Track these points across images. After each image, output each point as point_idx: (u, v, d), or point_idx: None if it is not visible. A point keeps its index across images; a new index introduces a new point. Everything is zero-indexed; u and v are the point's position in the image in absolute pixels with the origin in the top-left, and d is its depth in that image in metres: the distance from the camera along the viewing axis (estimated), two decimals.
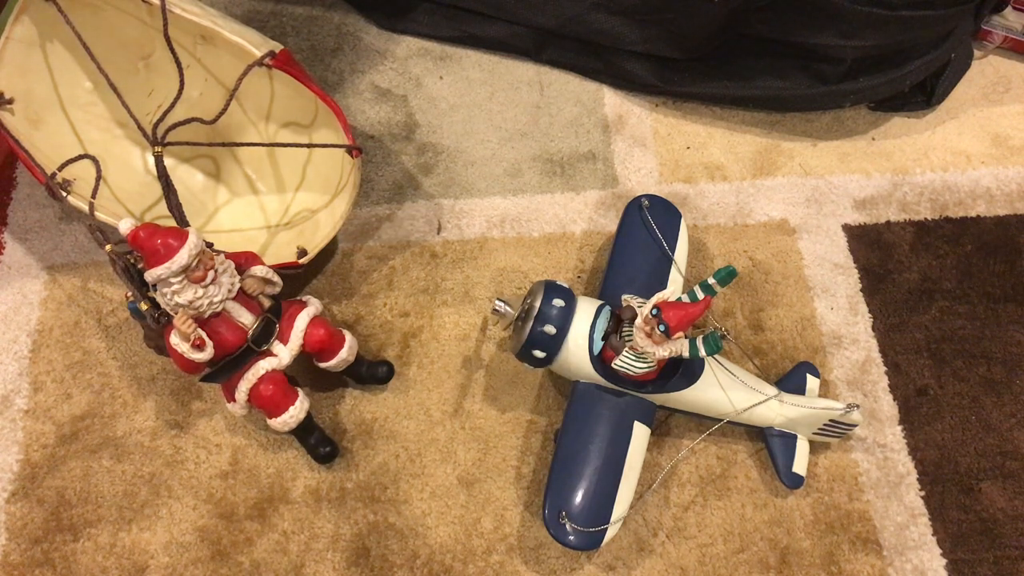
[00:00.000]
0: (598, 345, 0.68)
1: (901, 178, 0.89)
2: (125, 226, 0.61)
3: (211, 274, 0.63)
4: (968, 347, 0.80)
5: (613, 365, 0.67)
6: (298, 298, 0.72)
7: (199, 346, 0.63)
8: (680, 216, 0.80)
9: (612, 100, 0.94)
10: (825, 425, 0.71)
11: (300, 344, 0.68)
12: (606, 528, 0.66)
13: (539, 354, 0.67)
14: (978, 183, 0.89)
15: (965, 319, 0.81)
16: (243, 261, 0.68)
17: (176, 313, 0.62)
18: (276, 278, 0.69)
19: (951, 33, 0.86)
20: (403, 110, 0.92)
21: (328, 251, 0.83)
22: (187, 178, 0.84)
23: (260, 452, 0.74)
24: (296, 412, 0.68)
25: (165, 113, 0.72)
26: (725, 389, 0.70)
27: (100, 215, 0.71)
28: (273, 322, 0.68)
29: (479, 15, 0.93)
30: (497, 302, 0.69)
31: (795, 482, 0.72)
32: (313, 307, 0.71)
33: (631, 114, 0.93)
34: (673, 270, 0.76)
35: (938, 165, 0.90)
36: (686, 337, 0.64)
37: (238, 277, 0.66)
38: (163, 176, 0.71)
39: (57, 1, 0.71)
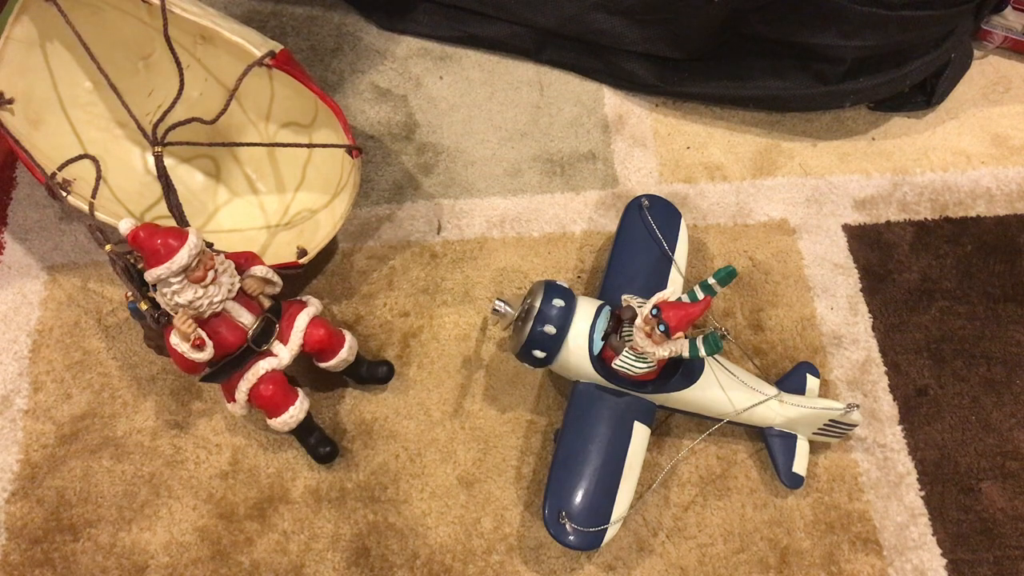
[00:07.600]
0: (598, 345, 0.68)
1: (901, 178, 0.89)
2: (125, 226, 0.61)
3: (211, 274, 0.63)
4: (968, 347, 0.80)
5: (613, 365, 0.67)
6: (298, 298, 0.72)
7: (199, 346, 0.63)
8: (680, 216, 0.80)
9: (612, 100, 0.94)
10: (825, 425, 0.71)
11: (300, 344, 0.68)
12: (606, 528, 0.66)
13: (539, 354, 0.67)
14: (978, 183, 0.89)
15: (965, 319, 0.81)
16: (243, 261, 0.68)
17: (176, 313, 0.62)
18: (276, 278, 0.69)
19: (951, 33, 0.86)
20: (403, 110, 0.92)
21: (328, 251, 0.83)
22: (187, 178, 0.84)
23: (260, 452, 0.74)
24: (296, 412, 0.68)
25: (165, 113, 0.72)
26: (725, 389, 0.70)
27: (100, 215, 0.72)
28: (273, 322, 0.68)
29: (479, 15, 0.93)
30: (497, 302, 0.69)
31: (795, 482, 0.72)
32: (313, 307, 0.71)
33: (631, 114, 0.93)
34: (673, 270, 0.76)
35: (938, 165, 0.90)
36: (686, 337, 0.64)
37: (238, 277, 0.66)
38: (163, 176, 0.71)
39: (57, 1, 0.71)
